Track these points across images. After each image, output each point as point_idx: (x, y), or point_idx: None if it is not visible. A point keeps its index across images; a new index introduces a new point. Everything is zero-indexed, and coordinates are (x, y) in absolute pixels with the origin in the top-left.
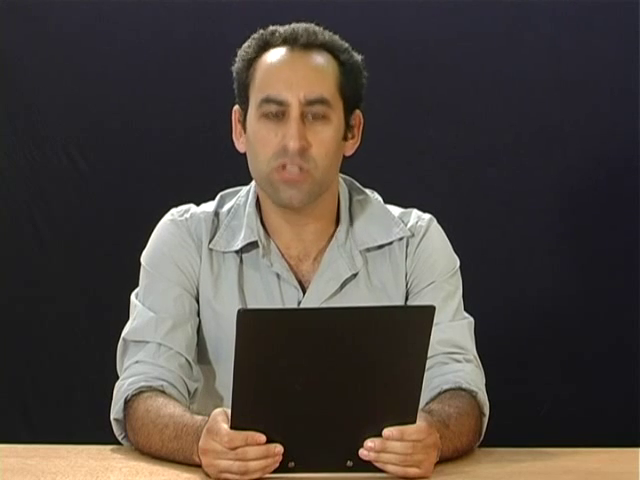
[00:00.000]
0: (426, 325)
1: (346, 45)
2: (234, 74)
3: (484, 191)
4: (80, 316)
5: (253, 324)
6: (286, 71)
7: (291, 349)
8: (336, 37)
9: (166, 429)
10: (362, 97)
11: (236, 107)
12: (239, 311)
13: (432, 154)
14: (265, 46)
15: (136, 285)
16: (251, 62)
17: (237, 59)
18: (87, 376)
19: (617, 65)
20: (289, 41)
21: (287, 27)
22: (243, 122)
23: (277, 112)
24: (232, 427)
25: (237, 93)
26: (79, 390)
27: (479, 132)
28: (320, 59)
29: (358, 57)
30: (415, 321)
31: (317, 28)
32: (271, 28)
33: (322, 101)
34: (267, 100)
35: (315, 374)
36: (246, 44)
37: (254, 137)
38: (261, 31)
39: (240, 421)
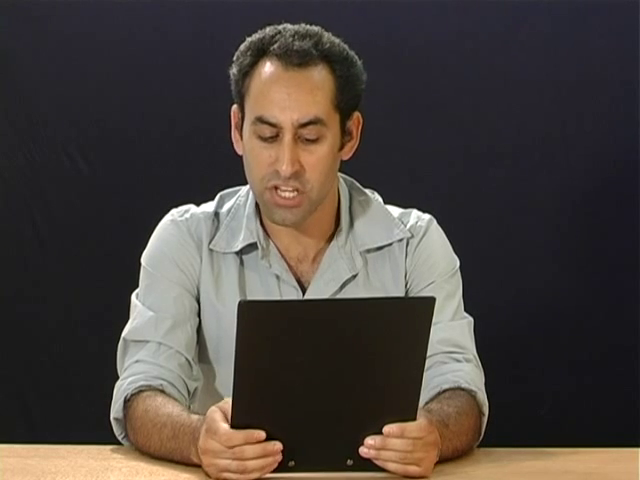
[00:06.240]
0: (426, 316)
1: (345, 53)
2: (231, 75)
3: (484, 191)
4: (80, 316)
5: (254, 315)
6: (279, 93)
7: (292, 341)
8: (335, 43)
9: (164, 428)
10: (360, 100)
11: (235, 107)
12: (240, 302)
13: (432, 154)
14: (261, 54)
15: (136, 285)
16: (247, 71)
17: (234, 60)
18: (87, 376)
19: (617, 65)
20: (283, 58)
21: (284, 36)
22: (240, 128)
23: (270, 134)
24: (233, 425)
25: (234, 95)
26: (79, 390)
27: (479, 132)
28: (315, 77)
29: (357, 63)
30: (415, 312)
31: (315, 37)
32: (269, 32)
33: (316, 121)
34: (261, 120)
35: (315, 367)
36: (242, 48)
37: (248, 152)
38: (260, 34)
39: (241, 418)
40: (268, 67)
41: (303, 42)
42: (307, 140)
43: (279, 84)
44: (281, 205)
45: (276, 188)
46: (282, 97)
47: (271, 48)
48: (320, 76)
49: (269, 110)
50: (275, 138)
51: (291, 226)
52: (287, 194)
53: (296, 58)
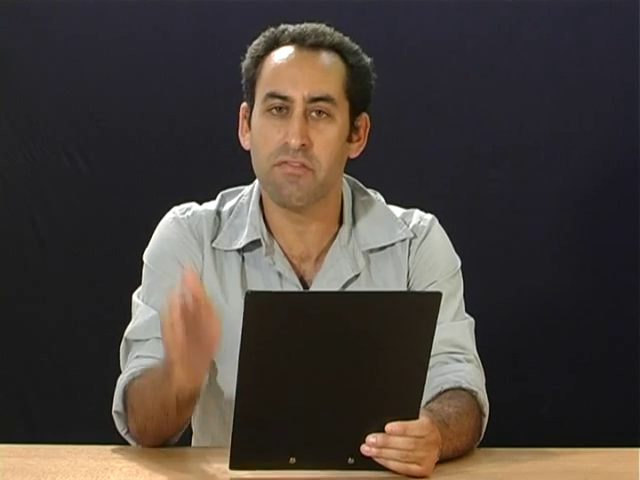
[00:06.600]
0: (432, 312)
1: (355, 47)
2: (243, 70)
3: (486, 192)
4: (80, 316)
5: (261, 306)
6: (292, 69)
7: (298, 333)
8: (346, 39)
9: (155, 382)
10: (369, 100)
11: (244, 104)
12: (247, 293)
13: (433, 155)
14: (274, 44)
15: (136, 285)
16: (259, 59)
17: (246, 56)
18: (87, 376)
19: (617, 65)
20: (297, 40)
21: (297, 26)
22: (249, 119)
23: (281, 107)
24: (236, 421)
25: (245, 90)
26: (79, 390)
27: (481, 133)
28: (327, 59)
29: (367, 60)
30: (421, 307)
31: (327, 29)
32: (282, 26)
33: (326, 99)
34: (272, 95)
35: (319, 360)
36: (256, 41)
37: (257, 132)
38: (272, 29)
39: (244, 413)
40: (281, 50)
41: (316, 29)
42: (317, 116)
43: (293, 63)
44: (288, 174)
45: (284, 164)
46: (295, 74)
47: (285, 34)
48: (333, 61)
49: (281, 85)
50: (285, 113)
51: (297, 204)
52: (295, 165)
53: (310, 39)
